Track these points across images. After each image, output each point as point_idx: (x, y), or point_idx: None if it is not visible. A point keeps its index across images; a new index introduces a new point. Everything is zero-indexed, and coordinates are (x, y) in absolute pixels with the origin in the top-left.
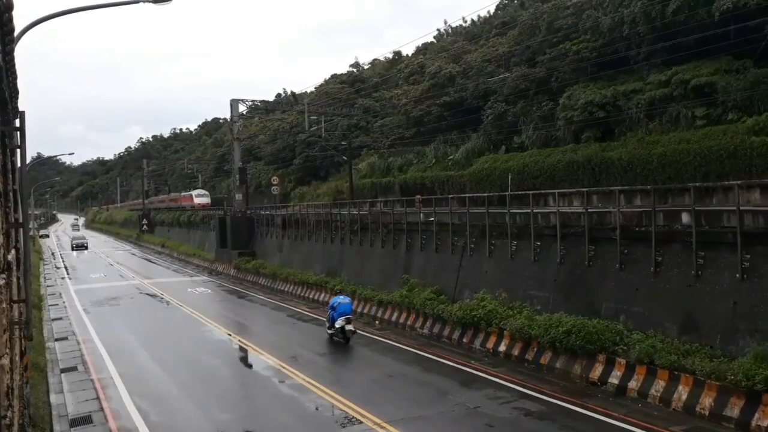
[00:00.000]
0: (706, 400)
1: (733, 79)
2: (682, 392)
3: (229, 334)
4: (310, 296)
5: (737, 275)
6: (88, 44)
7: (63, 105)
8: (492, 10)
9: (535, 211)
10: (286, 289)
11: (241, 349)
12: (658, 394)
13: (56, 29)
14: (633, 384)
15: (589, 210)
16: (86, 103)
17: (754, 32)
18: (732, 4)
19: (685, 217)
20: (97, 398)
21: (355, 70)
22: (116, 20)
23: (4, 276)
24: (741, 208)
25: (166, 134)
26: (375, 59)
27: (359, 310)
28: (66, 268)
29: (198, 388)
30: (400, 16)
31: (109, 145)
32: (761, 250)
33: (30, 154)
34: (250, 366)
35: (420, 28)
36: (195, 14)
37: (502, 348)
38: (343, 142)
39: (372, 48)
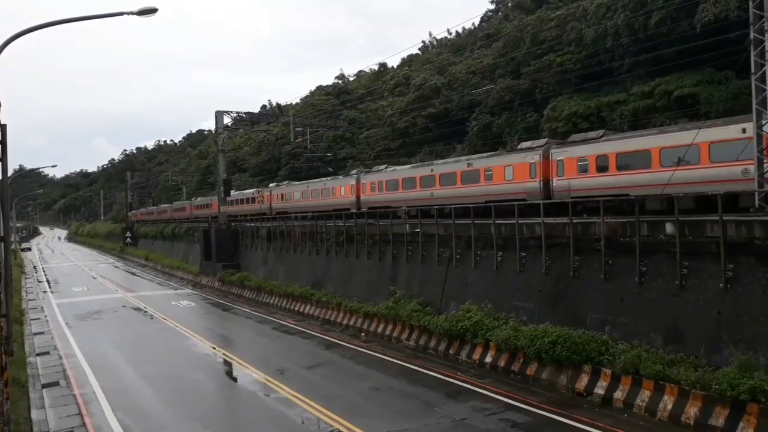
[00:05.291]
0: (692, 410)
1: (715, 90)
2: (668, 402)
3: (214, 348)
4: (296, 309)
5: (721, 285)
6: (55, 57)
7: (27, 117)
8: (477, 22)
9: (520, 221)
10: (271, 302)
11: (226, 362)
12: (644, 404)
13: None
14: (619, 394)
15: (573, 220)
16: (51, 115)
17: (735, 44)
18: (713, 16)
19: (669, 228)
20: (80, 414)
21: (340, 81)
22: (88, 34)
23: None
24: (724, 218)
25: (150, 146)
26: (360, 71)
27: (345, 322)
28: (48, 281)
29: (182, 403)
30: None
31: (78, 158)
32: (744, 260)
33: (11, 167)
34: (235, 380)
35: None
36: (178, 27)
37: (488, 359)
38: (328, 154)
39: (358, 59)
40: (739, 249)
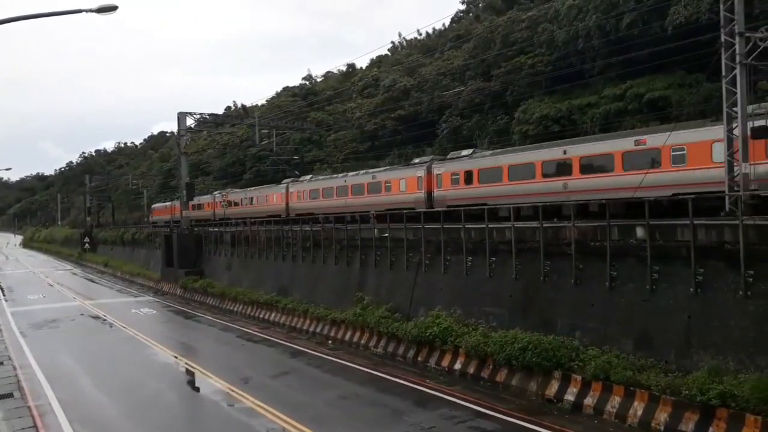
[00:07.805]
0: (662, 416)
1: (687, 93)
2: (638, 408)
3: (176, 357)
4: (261, 316)
5: (691, 289)
6: (7, 57)
7: None
8: (447, 23)
9: (490, 226)
10: (235, 309)
11: (188, 372)
12: (614, 410)
13: None
14: (589, 400)
15: (544, 225)
16: (4, 116)
17: (706, 46)
18: (684, 19)
19: (640, 232)
20: (35, 426)
21: (307, 82)
22: (43, 33)
23: None
24: (694, 222)
25: (110, 148)
26: (328, 72)
27: (312, 329)
28: (2, 289)
29: (142, 414)
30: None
31: (34, 161)
32: (714, 264)
33: None
34: (197, 390)
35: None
36: (136, 28)
37: (457, 366)
38: (295, 157)
39: (326, 60)
40: (709, 253)
